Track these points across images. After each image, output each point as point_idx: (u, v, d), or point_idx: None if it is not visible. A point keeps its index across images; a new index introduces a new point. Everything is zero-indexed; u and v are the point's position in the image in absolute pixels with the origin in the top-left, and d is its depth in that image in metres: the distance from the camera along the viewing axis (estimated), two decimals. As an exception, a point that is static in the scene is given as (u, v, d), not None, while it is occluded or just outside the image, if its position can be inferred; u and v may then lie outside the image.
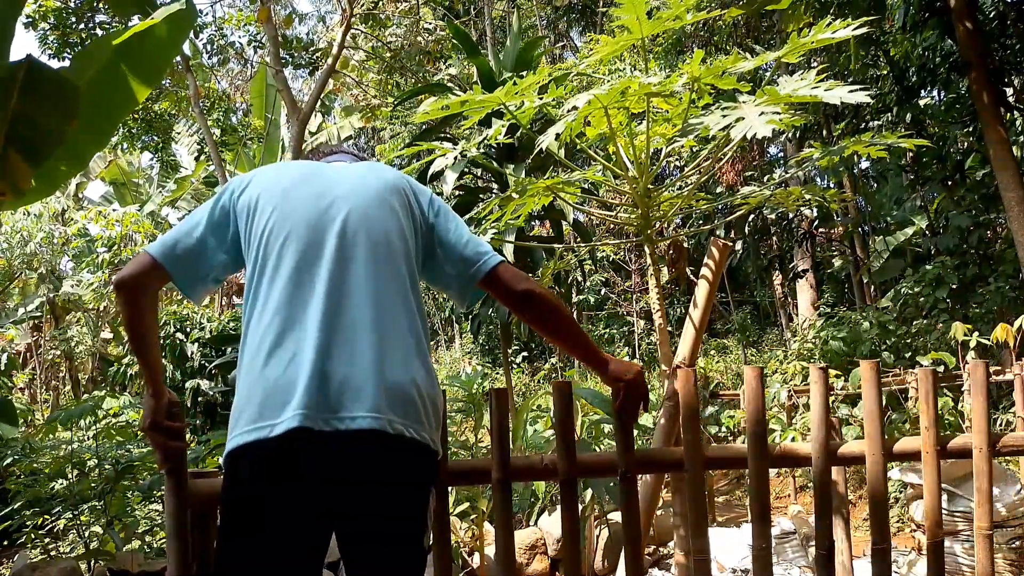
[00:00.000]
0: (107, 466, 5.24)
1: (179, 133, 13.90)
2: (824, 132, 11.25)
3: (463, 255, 1.80)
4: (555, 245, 5.50)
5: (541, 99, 2.67)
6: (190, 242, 1.73)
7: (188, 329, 12.18)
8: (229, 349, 7.54)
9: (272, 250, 1.66)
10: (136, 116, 9.73)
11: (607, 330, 16.37)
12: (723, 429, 8.12)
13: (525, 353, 16.44)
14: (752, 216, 12.02)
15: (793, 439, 5.80)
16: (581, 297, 16.03)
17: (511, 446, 5.01)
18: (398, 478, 1.58)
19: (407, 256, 1.72)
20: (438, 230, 1.81)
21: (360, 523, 1.59)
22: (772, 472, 7.79)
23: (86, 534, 5.18)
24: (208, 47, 11.03)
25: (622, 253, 15.57)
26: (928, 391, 2.20)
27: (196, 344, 11.90)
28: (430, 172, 6.29)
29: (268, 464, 1.53)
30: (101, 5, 8.77)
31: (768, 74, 8.40)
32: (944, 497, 4.44)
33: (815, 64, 9.87)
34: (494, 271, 1.78)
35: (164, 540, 5.57)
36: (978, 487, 2.21)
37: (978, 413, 2.21)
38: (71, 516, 4.97)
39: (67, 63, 4.03)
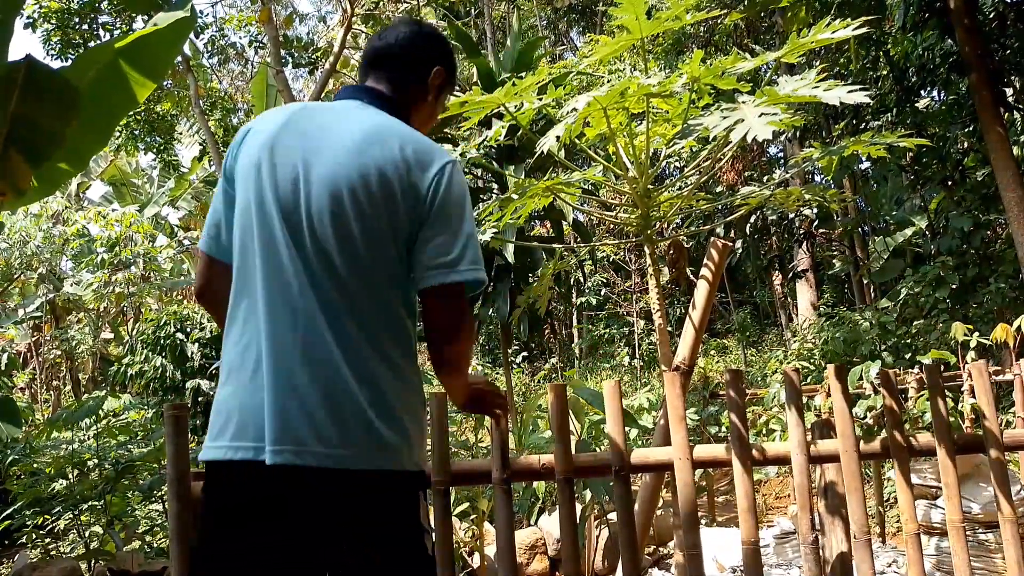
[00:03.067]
0: (107, 466, 5.25)
1: (181, 134, 13.91)
2: (824, 132, 11.25)
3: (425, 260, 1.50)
4: (555, 245, 5.50)
5: (541, 100, 2.67)
6: (218, 220, 1.58)
7: (188, 329, 12.18)
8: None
9: (243, 238, 1.49)
10: (138, 117, 9.73)
11: (607, 330, 16.37)
12: (723, 429, 8.12)
13: (525, 353, 16.45)
14: (752, 216, 12.04)
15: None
16: (582, 299, 16.04)
17: (516, 447, 5.03)
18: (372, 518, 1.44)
19: (384, 255, 1.46)
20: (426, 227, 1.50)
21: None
22: (772, 472, 7.80)
23: (86, 534, 5.19)
24: (209, 47, 11.04)
25: (622, 253, 15.58)
26: (889, 393, 2.36)
27: (196, 344, 11.90)
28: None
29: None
30: (104, 5, 8.77)
31: (768, 74, 8.41)
32: (942, 496, 4.43)
33: (815, 64, 9.87)
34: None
35: (164, 540, 5.58)
36: (945, 482, 2.34)
37: (936, 414, 2.35)
38: (71, 516, 4.97)
39: (69, 64, 4.04)
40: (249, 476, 1.39)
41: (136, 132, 9.79)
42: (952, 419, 6.08)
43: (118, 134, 9.76)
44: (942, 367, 6.33)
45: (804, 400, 7.54)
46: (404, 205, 1.46)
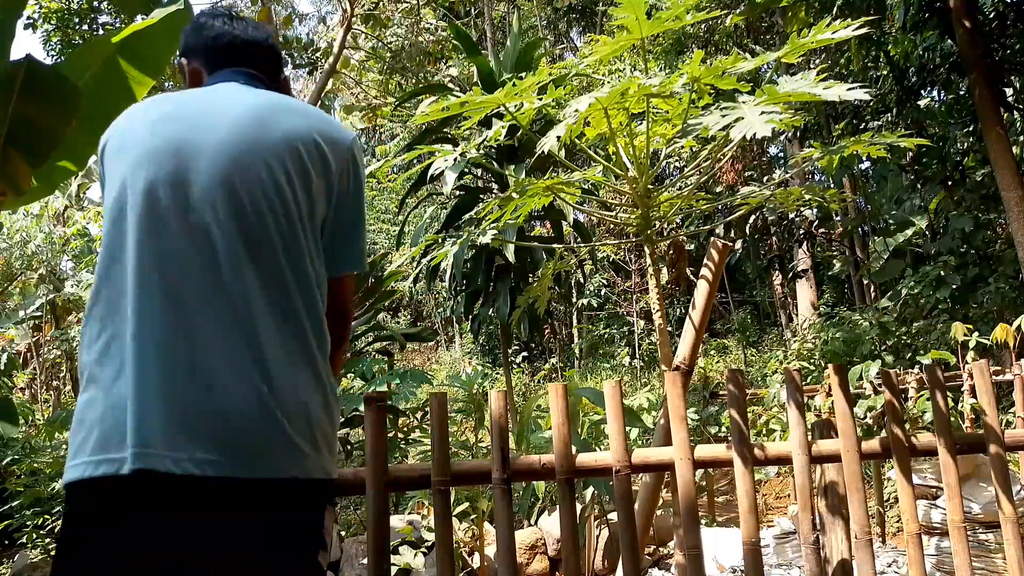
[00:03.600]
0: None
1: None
2: (824, 132, 11.25)
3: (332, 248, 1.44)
4: (555, 245, 5.50)
5: (541, 100, 2.67)
6: None
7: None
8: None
9: (116, 237, 1.31)
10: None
11: (607, 330, 16.37)
12: (723, 429, 8.12)
13: (525, 353, 16.44)
14: (752, 216, 12.02)
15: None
16: (583, 300, 16.04)
17: (516, 448, 5.02)
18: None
19: (293, 244, 1.33)
20: (335, 214, 1.43)
21: None
22: (773, 472, 7.79)
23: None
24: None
25: (622, 253, 15.58)
26: (890, 394, 2.33)
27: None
28: (430, 173, 6.30)
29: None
30: (104, 6, 8.77)
31: (768, 74, 8.41)
32: (943, 496, 4.43)
33: (815, 65, 9.88)
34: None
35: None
36: (946, 483, 2.33)
37: (937, 412, 2.32)
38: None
39: (66, 61, 4.04)
40: (121, 489, 1.20)
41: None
42: (952, 419, 6.09)
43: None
44: (942, 367, 6.33)
45: (805, 400, 7.55)
46: (316, 182, 1.37)
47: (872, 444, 2.30)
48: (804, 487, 2.23)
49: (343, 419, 5.44)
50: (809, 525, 2.23)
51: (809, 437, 2.27)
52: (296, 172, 1.34)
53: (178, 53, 1.66)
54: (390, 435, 6.07)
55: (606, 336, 16.33)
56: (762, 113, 2.30)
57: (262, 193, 1.30)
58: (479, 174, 7.42)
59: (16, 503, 5.25)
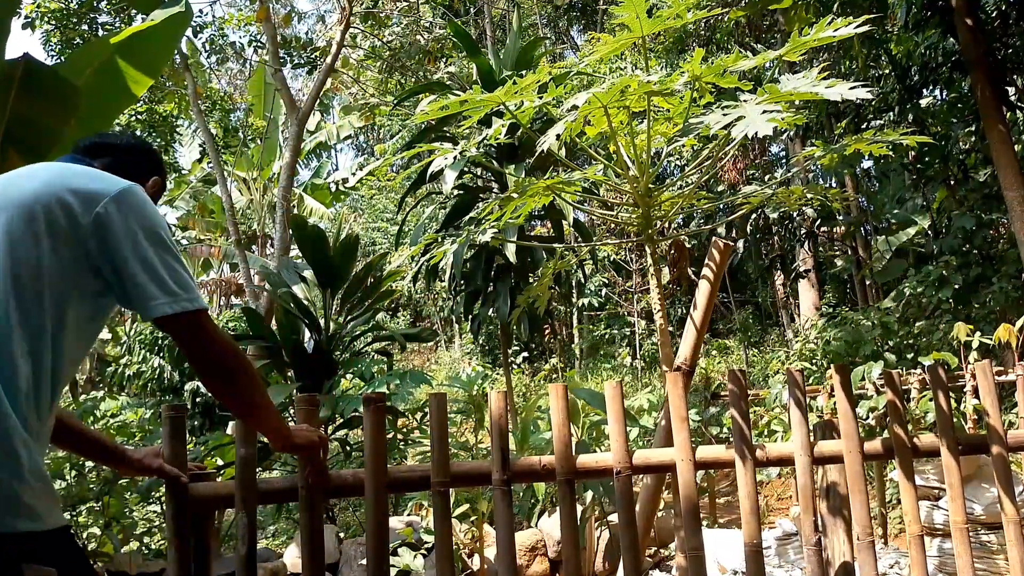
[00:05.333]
0: (105, 467, 5.22)
1: (180, 135, 13.91)
2: (826, 132, 11.23)
3: (128, 295, 1.48)
4: (556, 245, 5.48)
5: (541, 98, 2.65)
6: None
7: (188, 329, 12.16)
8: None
9: None
10: (139, 118, 9.71)
11: (608, 330, 16.36)
12: (724, 430, 8.10)
13: (525, 354, 16.42)
14: (754, 215, 12.00)
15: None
16: (584, 300, 16.02)
17: (517, 449, 5.00)
18: None
19: (28, 294, 1.39)
20: (107, 254, 1.45)
21: None
22: (774, 473, 7.78)
23: (84, 535, 5.17)
24: (207, 46, 11.01)
25: (623, 253, 15.56)
26: (895, 394, 2.31)
27: (196, 344, 11.89)
28: (429, 172, 6.28)
29: None
30: (103, 5, 8.75)
31: (770, 73, 8.39)
32: (945, 497, 4.41)
33: (817, 63, 9.86)
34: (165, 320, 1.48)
35: (162, 542, 5.56)
36: (949, 483, 2.31)
37: (940, 413, 2.31)
38: (69, 517, 4.95)
39: (66, 61, 4.03)
40: None
41: (137, 132, 9.77)
42: (955, 420, 6.06)
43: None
44: (945, 367, 6.32)
45: (808, 401, 7.53)
46: (68, 232, 1.43)
47: (875, 445, 2.28)
48: (806, 488, 2.21)
49: (342, 420, 5.42)
50: (811, 527, 2.21)
51: (811, 438, 2.25)
52: (29, 230, 1.40)
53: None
54: (389, 436, 6.05)
55: (607, 336, 16.32)
56: (764, 112, 2.29)
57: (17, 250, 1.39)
58: (479, 173, 7.40)
59: None
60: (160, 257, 1.47)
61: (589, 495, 4.66)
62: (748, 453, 2.17)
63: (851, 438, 2.22)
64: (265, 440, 1.83)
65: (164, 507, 5.29)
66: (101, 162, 1.67)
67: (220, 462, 4.81)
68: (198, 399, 9.88)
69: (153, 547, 5.45)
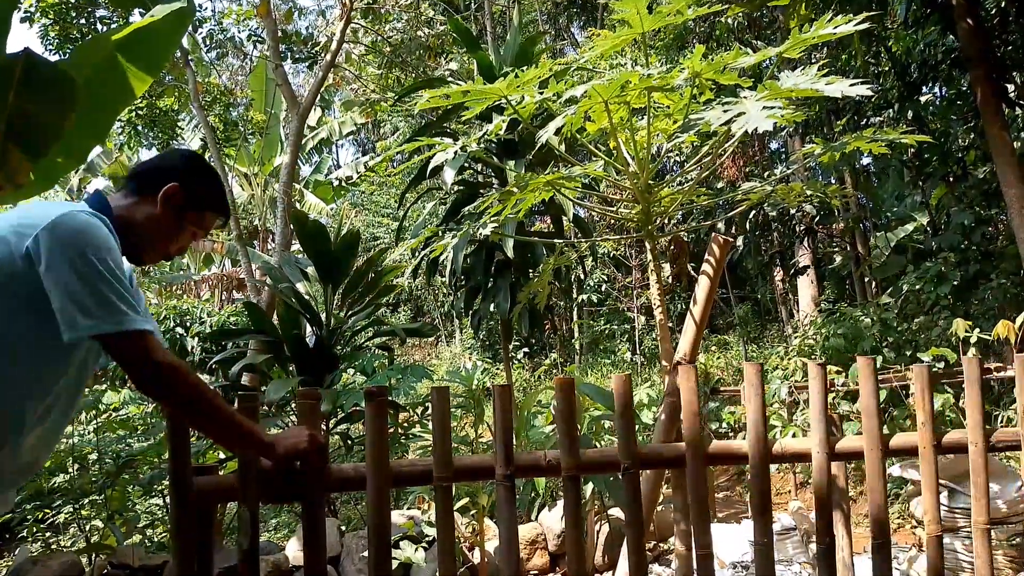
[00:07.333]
0: (108, 460, 5.24)
1: (181, 129, 13.91)
2: (826, 128, 11.23)
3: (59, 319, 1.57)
4: (555, 240, 5.49)
5: (542, 94, 2.66)
6: None
7: (188, 324, 12.16)
8: (230, 344, 7.55)
9: None
10: (140, 113, 9.68)
11: (607, 326, 16.37)
12: (724, 425, 8.12)
13: (525, 349, 16.43)
14: (753, 212, 12.01)
15: (794, 435, 5.80)
16: (584, 296, 16.03)
17: (513, 442, 5.00)
18: None
19: None
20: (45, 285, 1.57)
21: None
22: (772, 468, 7.81)
23: (87, 528, 5.19)
24: (207, 41, 10.99)
25: (623, 249, 15.57)
26: (924, 387, 2.21)
27: (196, 339, 11.90)
28: (430, 167, 6.28)
29: None
30: (102, 0, 8.73)
31: (770, 69, 8.38)
32: (944, 493, 4.43)
33: (817, 60, 9.85)
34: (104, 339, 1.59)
35: (165, 534, 5.59)
36: (974, 482, 2.22)
37: (972, 408, 2.22)
38: (72, 510, 4.97)
39: (67, 57, 4.03)
40: None
41: (139, 128, 9.74)
42: (952, 415, 6.08)
43: (120, 130, 9.71)
44: (944, 363, 6.33)
45: (807, 396, 7.52)
46: (4, 270, 1.56)
47: (898, 441, 2.21)
48: (821, 486, 2.14)
49: (343, 414, 5.44)
50: (825, 526, 2.15)
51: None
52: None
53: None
54: (390, 430, 6.06)
55: (607, 332, 16.33)
56: (763, 108, 2.30)
57: None
58: (479, 169, 7.40)
59: (18, 497, 5.26)
60: (84, 280, 1.54)
61: (588, 489, 4.67)
62: (763, 449, 2.11)
63: (872, 435, 2.15)
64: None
65: (166, 500, 5.31)
66: (128, 189, 1.83)
67: (222, 455, 4.82)
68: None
69: (156, 539, 5.47)
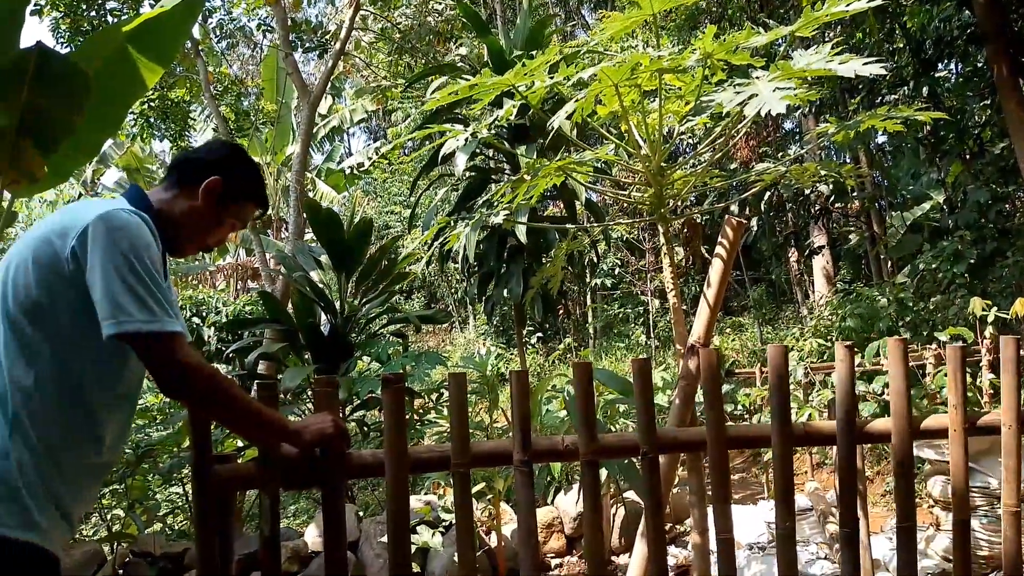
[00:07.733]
0: (127, 450, 5.29)
1: (195, 120, 13.95)
2: (840, 107, 11.12)
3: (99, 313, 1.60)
4: (568, 225, 5.47)
5: (552, 79, 2.64)
6: None
7: (204, 313, 12.25)
8: (246, 333, 7.60)
9: None
10: (153, 105, 9.72)
11: (621, 310, 16.36)
12: (739, 407, 8.11)
13: (539, 334, 16.45)
14: (767, 193, 11.93)
15: (810, 416, 5.78)
16: (597, 280, 16.00)
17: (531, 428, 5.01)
18: None
19: (22, 313, 1.61)
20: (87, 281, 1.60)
21: None
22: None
23: (108, 517, 5.25)
24: (217, 31, 11.00)
25: (636, 232, 15.52)
26: (956, 369, 2.13)
27: (213, 328, 11.98)
28: (441, 154, 6.28)
29: None
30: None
31: (783, 49, 8.29)
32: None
33: (830, 38, 9.74)
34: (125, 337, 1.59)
35: (185, 522, 5.65)
36: (1006, 464, 2.13)
37: (1007, 389, 2.15)
38: (93, 500, 5.03)
39: (77, 49, 4.04)
40: None
41: (151, 120, 9.77)
42: (971, 394, 6.04)
43: (132, 122, 9.75)
44: (962, 342, 6.28)
45: (822, 378, 7.49)
46: (56, 271, 1.61)
47: (928, 423, 2.12)
48: (846, 469, 2.07)
49: (359, 401, 5.48)
50: (849, 512, 2.08)
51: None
52: (26, 266, 1.62)
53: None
54: (407, 417, 6.10)
55: (620, 316, 16.32)
56: (776, 89, 2.28)
57: (17, 279, 1.62)
58: (491, 154, 7.39)
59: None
60: (121, 279, 1.57)
61: (604, 472, 4.69)
62: (787, 432, 2.05)
63: (901, 417, 2.06)
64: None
65: (186, 488, 5.37)
66: (169, 181, 1.87)
67: (240, 444, 4.87)
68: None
69: (176, 527, 5.53)
